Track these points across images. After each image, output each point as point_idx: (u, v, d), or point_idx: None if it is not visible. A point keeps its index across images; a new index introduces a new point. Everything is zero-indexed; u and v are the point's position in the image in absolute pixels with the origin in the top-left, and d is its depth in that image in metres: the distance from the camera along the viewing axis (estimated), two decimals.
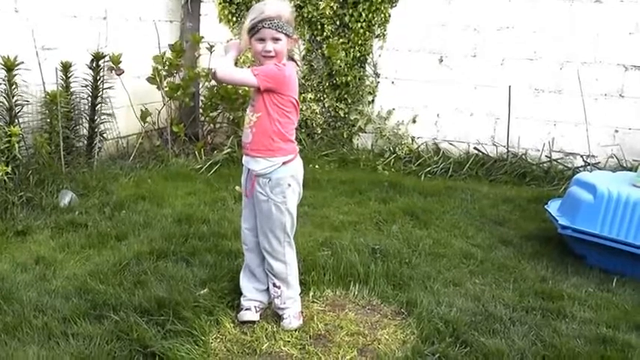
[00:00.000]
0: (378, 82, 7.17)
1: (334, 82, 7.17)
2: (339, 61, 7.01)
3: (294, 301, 3.44)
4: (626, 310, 3.67)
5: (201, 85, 7.22)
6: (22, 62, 5.08)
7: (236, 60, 3.30)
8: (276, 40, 3.13)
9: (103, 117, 6.06)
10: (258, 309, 3.45)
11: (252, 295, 3.48)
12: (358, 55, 7.07)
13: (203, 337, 3.16)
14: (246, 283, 3.50)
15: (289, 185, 3.25)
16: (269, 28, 3.10)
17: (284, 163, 3.23)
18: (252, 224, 3.41)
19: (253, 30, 3.13)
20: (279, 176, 3.23)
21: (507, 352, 3.13)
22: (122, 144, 6.64)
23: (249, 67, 3.48)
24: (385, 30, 7.03)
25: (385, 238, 4.59)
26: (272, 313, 3.47)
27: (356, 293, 3.74)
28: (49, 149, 5.34)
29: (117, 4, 6.43)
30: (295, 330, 3.32)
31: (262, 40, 3.13)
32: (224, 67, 3.18)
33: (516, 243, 4.68)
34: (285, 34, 3.14)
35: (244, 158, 3.32)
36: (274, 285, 3.41)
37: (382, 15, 6.96)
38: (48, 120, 5.49)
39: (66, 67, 5.65)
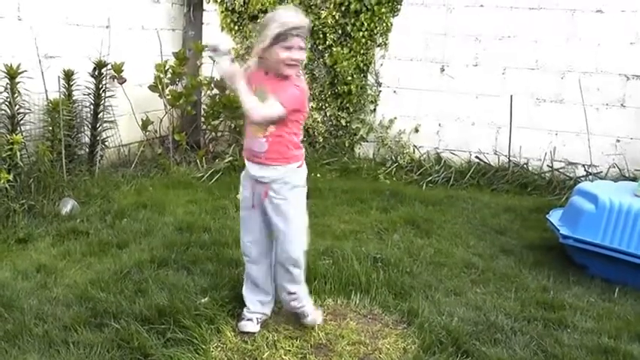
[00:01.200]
0: (380, 90, 7.18)
1: (336, 90, 7.18)
2: (343, 70, 7.02)
3: (306, 296, 3.44)
4: (628, 320, 3.66)
5: (203, 94, 7.23)
6: (25, 70, 5.10)
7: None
8: (301, 49, 3.15)
9: (104, 125, 6.08)
10: (259, 321, 3.44)
11: (255, 307, 3.45)
12: (360, 64, 7.08)
13: (204, 346, 3.15)
14: (249, 295, 3.48)
15: (304, 187, 3.33)
16: (298, 36, 3.11)
17: (297, 167, 3.30)
18: (257, 236, 3.38)
19: (281, 37, 3.09)
20: (296, 178, 3.28)
21: None
22: (124, 152, 6.65)
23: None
24: (387, 39, 7.05)
25: (386, 247, 4.59)
26: (273, 322, 3.46)
27: (357, 302, 3.73)
28: (51, 157, 5.34)
29: (120, 12, 6.46)
30: (296, 339, 3.32)
31: (289, 48, 3.11)
32: (257, 109, 3.12)
33: (518, 252, 4.67)
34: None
35: (254, 167, 3.27)
36: (289, 293, 3.39)
37: (384, 24, 6.99)
38: (50, 128, 5.50)
39: (68, 76, 5.67)
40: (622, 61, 6.31)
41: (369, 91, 7.18)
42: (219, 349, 3.21)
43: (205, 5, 7.56)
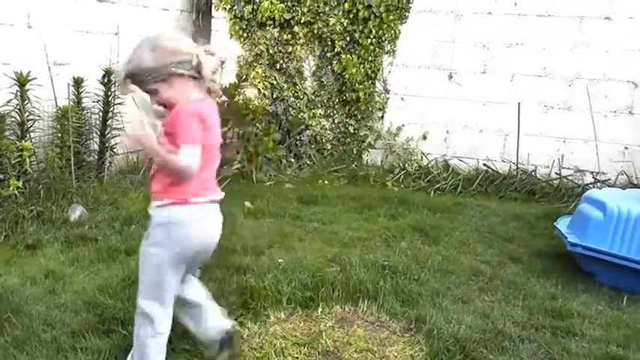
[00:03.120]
0: (388, 98, 7.19)
1: (344, 97, 7.19)
2: (351, 77, 7.02)
3: None
4: (637, 329, 3.64)
5: None
6: (35, 78, 5.12)
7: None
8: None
9: (113, 132, 6.09)
10: None
11: None
12: (368, 71, 7.09)
13: None
14: None
15: None
16: None
17: None
18: None
19: None
20: None
21: None
22: (132, 159, 6.67)
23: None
24: (395, 46, 7.06)
25: (394, 255, 4.58)
26: (281, 329, 3.46)
27: (365, 309, 3.73)
28: (60, 164, 5.36)
29: (129, 19, 6.49)
30: (304, 346, 3.31)
31: None
32: None
33: (525, 260, 4.66)
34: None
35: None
36: None
37: (392, 31, 7.00)
38: (59, 135, 5.52)
39: (77, 83, 5.70)
40: (630, 68, 6.30)
41: (377, 98, 7.19)
42: None
43: (214, 12, 7.60)
